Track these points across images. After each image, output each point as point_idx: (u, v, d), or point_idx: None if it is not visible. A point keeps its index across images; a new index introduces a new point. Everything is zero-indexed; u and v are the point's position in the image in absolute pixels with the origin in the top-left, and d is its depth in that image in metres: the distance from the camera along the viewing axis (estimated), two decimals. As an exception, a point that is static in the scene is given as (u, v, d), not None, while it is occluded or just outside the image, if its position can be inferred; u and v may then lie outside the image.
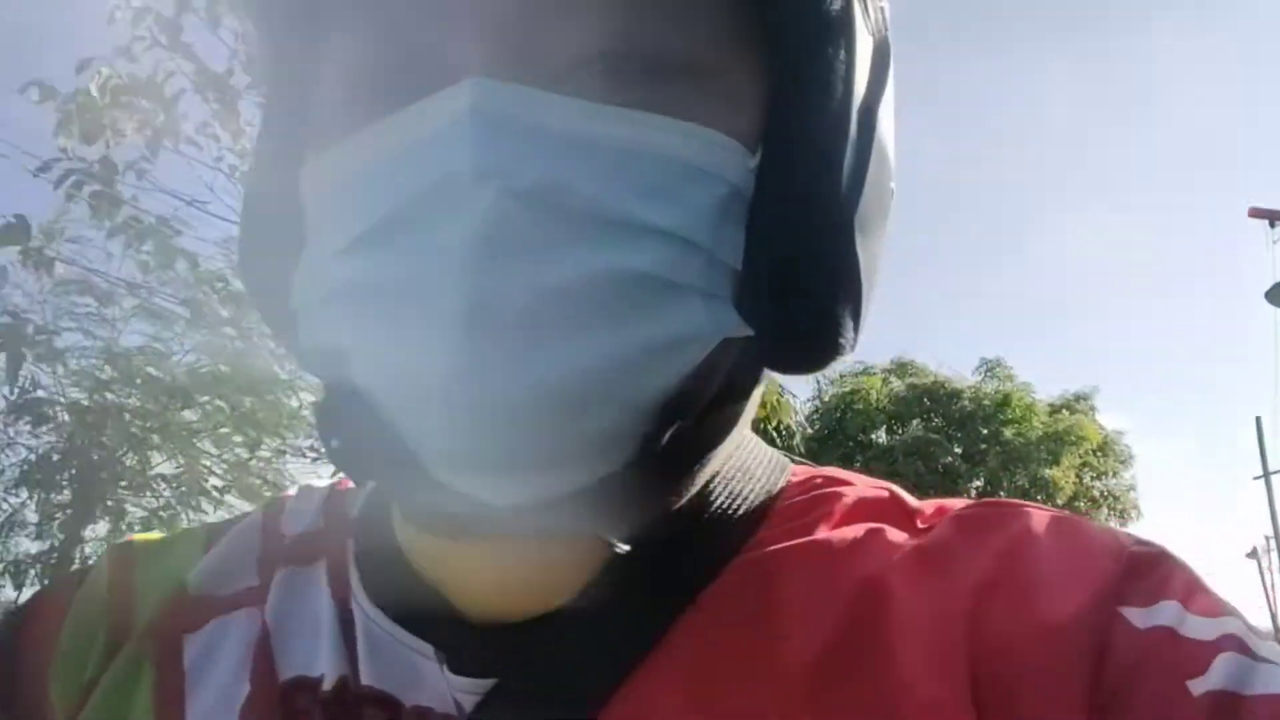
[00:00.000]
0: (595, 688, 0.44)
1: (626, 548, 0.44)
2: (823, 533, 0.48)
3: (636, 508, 0.45)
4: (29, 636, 0.53)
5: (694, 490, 0.47)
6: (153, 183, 4.89)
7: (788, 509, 0.51)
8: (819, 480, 0.53)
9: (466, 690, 0.45)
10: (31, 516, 5.53)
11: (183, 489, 5.68)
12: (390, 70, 0.42)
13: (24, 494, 5.46)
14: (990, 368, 23.82)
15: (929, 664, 0.41)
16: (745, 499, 0.51)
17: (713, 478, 0.50)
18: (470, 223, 0.37)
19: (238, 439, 5.80)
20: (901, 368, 23.74)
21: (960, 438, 21.64)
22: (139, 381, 5.21)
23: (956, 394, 22.02)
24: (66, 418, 5.19)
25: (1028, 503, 0.50)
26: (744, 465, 0.52)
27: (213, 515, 5.80)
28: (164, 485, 5.62)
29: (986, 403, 21.72)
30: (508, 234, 0.37)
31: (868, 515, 0.50)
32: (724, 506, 0.50)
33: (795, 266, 0.42)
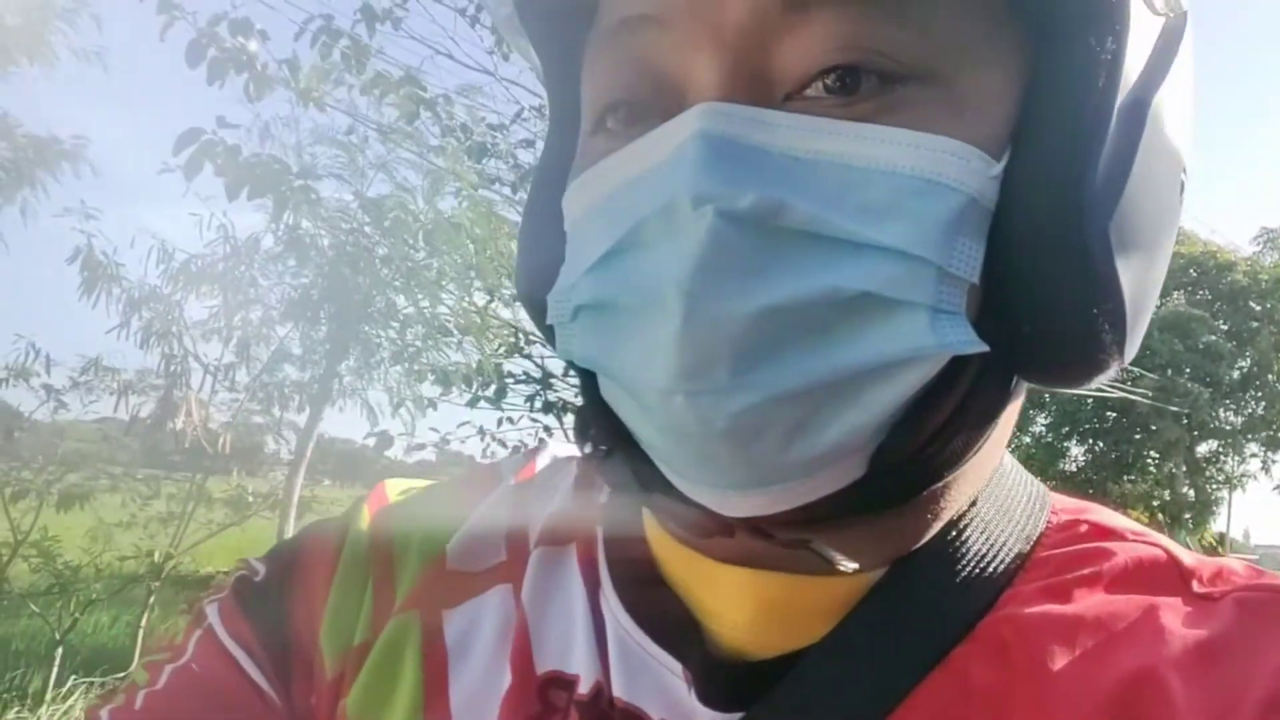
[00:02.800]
0: None
1: (854, 566, 0.43)
2: (1088, 601, 0.45)
3: (872, 532, 0.45)
4: (300, 587, 0.55)
5: (941, 523, 0.47)
6: (406, 30, 5.06)
7: (1048, 562, 0.48)
8: (1084, 529, 0.50)
9: None
10: (295, 349, 6.09)
11: (423, 328, 6.07)
12: (634, 97, 0.44)
13: (288, 328, 5.99)
14: (1272, 238, 21.63)
15: None
16: (1003, 546, 0.48)
17: (968, 516, 0.48)
18: (688, 246, 0.37)
19: (478, 284, 6.10)
20: (1167, 234, 21.93)
21: (1228, 314, 19.86)
22: (387, 225, 5.53)
23: (1229, 266, 20.17)
24: (322, 259, 5.61)
25: None
26: (1003, 504, 0.50)
27: (453, 354, 6.20)
28: (409, 325, 6.02)
29: (1264, 277, 19.80)
30: (725, 256, 0.37)
31: (1139, 580, 0.46)
32: (981, 553, 0.47)
33: (1038, 278, 0.40)
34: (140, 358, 5.68)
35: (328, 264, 5.60)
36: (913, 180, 0.38)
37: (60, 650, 4.96)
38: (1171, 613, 0.44)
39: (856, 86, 0.39)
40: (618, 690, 0.48)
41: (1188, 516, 21.13)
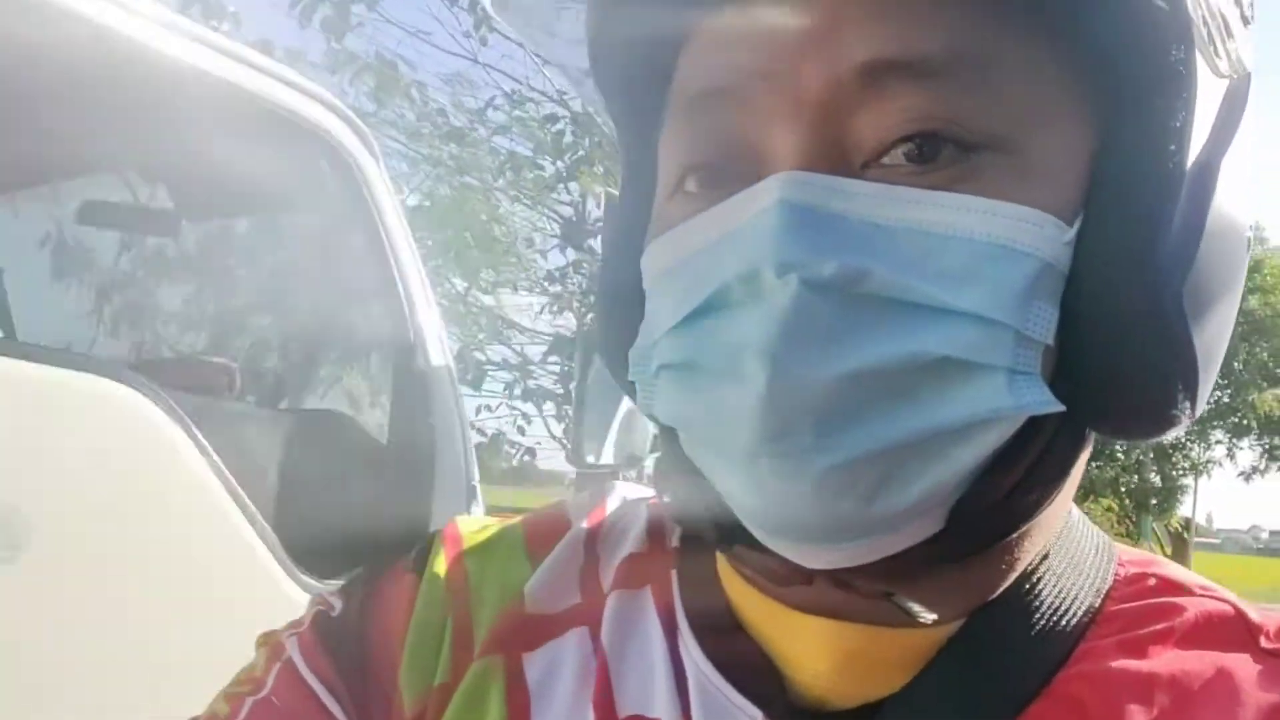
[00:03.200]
0: None
1: (933, 617, 0.45)
2: (1162, 658, 0.46)
3: (949, 584, 0.46)
4: (378, 624, 0.55)
5: (1015, 574, 0.48)
6: (380, 13, 5.00)
7: (1119, 616, 0.49)
8: (1152, 582, 0.51)
9: None
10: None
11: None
12: (715, 163, 0.45)
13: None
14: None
15: None
16: (1075, 599, 0.49)
17: (1041, 569, 0.49)
18: (772, 313, 0.38)
19: (458, 272, 6.08)
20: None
21: (1195, 304, 20.09)
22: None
23: (1196, 256, 20.35)
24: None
25: None
26: (1073, 556, 0.51)
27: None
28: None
29: (1231, 268, 19.98)
30: (807, 322, 0.38)
31: (1209, 636, 0.47)
32: (1054, 606, 0.48)
33: (1112, 341, 0.41)
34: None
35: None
36: (989, 246, 0.39)
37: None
38: (1243, 670, 0.45)
39: (935, 155, 0.40)
40: None
41: (1154, 502, 21.44)
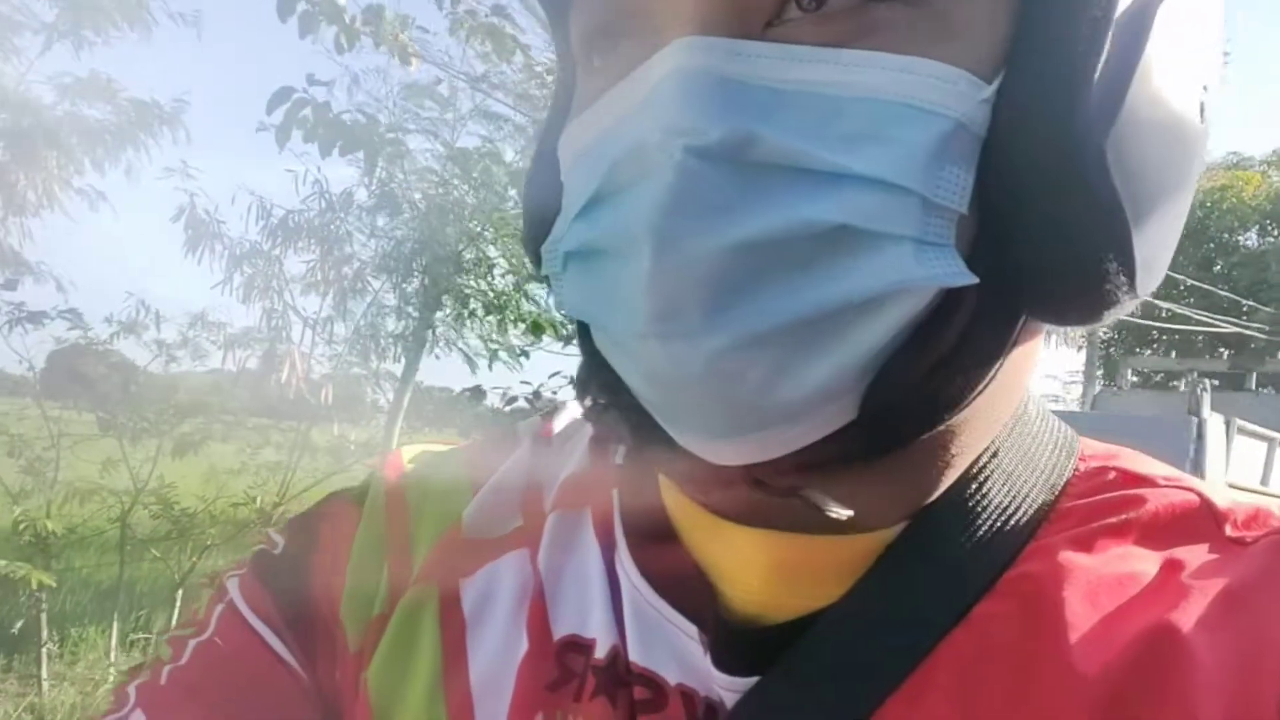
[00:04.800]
0: (861, 700, 0.43)
1: (847, 513, 0.42)
2: (1113, 552, 0.44)
3: (883, 484, 0.44)
4: (320, 559, 0.56)
5: (957, 473, 0.45)
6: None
7: (1073, 511, 0.47)
8: (1113, 475, 0.48)
9: (726, 686, 0.45)
10: (389, 300, 6.20)
11: (513, 275, 6.12)
12: (618, 38, 0.42)
13: (383, 281, 6.11)
14: (1404, 160, 20.29)
15: None
16: (1026, 495, 0.47)
17: (989, 467, 0.46)
18: (657, 185, 0.36)
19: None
20: (1286, 160, 20.78)
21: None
22: (475, 177, 5.57)
23: (1354, 190, 18.99)
24: (414, 213, 5.69)
25: None
26: (1026, 452, 0.48)
27: (542, 302, 6.24)
28: (499, 275, 6.09)
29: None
30: (694, 193, 0.36)
31: (1170, 528, 0.45)
32: (1003, 505, 0.46)
33: (1031, 205, 0.37)
34: (244, 313, 5.85)
35: (419, 217, 5.67)
36: (894, 106, 0.37)
37: (180, 592, 5.21)
38: (1200, 561, 0.42)
39: (841, 7, 0.38)
40: (634, 655, 0.47)
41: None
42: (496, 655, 0.49)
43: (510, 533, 0.54)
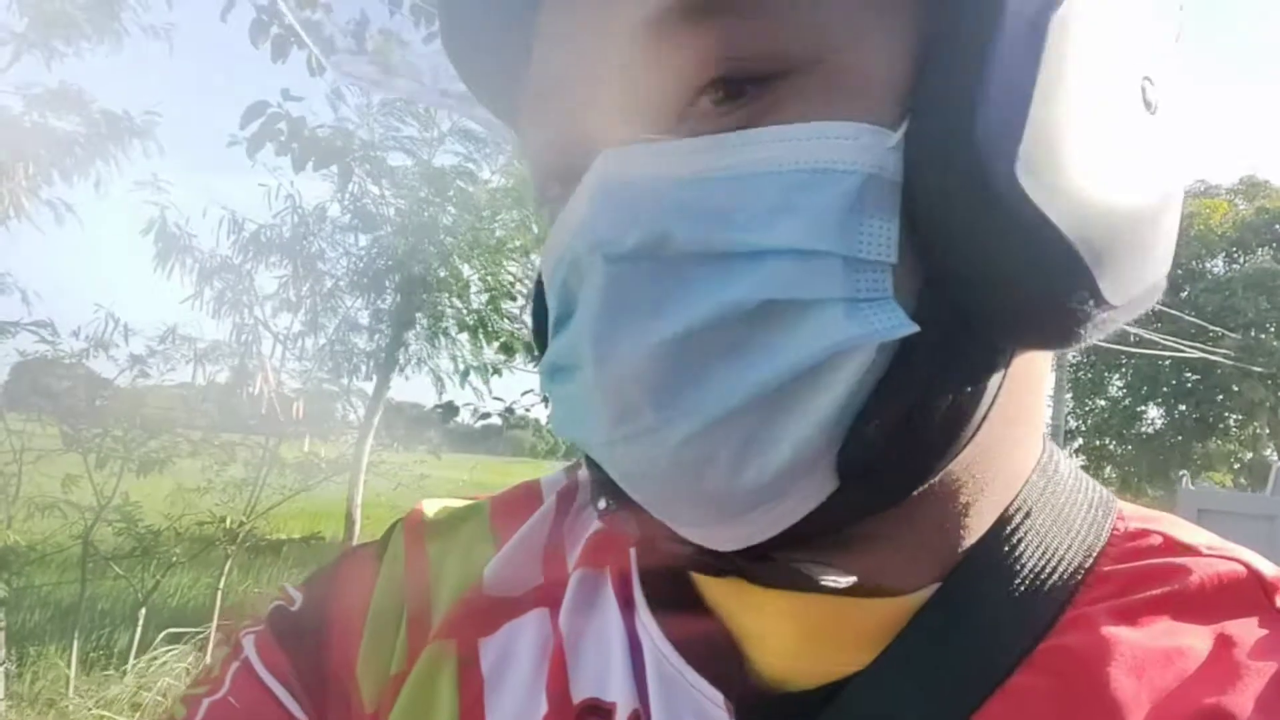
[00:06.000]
0: None
1: (847, 581, 0.41)
2: (1159, 626, 0.42)
3: (905, 548, 0.43)
4: (337, 616, 0.54)
5: (983, 531, 0.44)
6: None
7: (1114, 578, 0.45)
8: (1156, 541, 0.46)
9: None
10: (363, 319, 6.17)
11: (487, 295, 6.10)
12: (562, 160, 0.43)
13: (356, 298, 6.07)
14: (1365, 190, 20.69)
15: None
16: (1062, 558, 0.45)
17: (1021, 528, 0.45)
18: (589, 295, 0.38)
19: (537, 250, 6.11)
20: (1251, 189, 21.17)
21: (1315, 270, 19.11)
22: (452, 195, 5.56)
23: (1317, 220, 19.32)
24: (389, 229, 5.66)
25: None
26: (1060, 512, 0.46)
27: (518, 322, 6.22)
28: (473, 293, 6.07)
29: (1354, 232, 18.94)
30: (621, 298, 0.37)
31: (1216, 600, 0.43)
32: (1037, 567, 0.44)
33: (960, 238, 0.37)
34: (213, 327, 5.81)
35: (393, 233, 5.65)
36: (797, 174, 0.37)
37: (144, 611, 5.13)
38: (1249, 636, 0.41)
39: (739, 94, 0.38)
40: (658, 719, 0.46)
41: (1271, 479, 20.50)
42: (515, 717, 0.48)
43: (531, 591, 0.53)
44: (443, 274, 5.81)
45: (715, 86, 0.38)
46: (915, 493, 0.41)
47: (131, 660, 4.87)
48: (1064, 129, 0.37)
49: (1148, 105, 0.41)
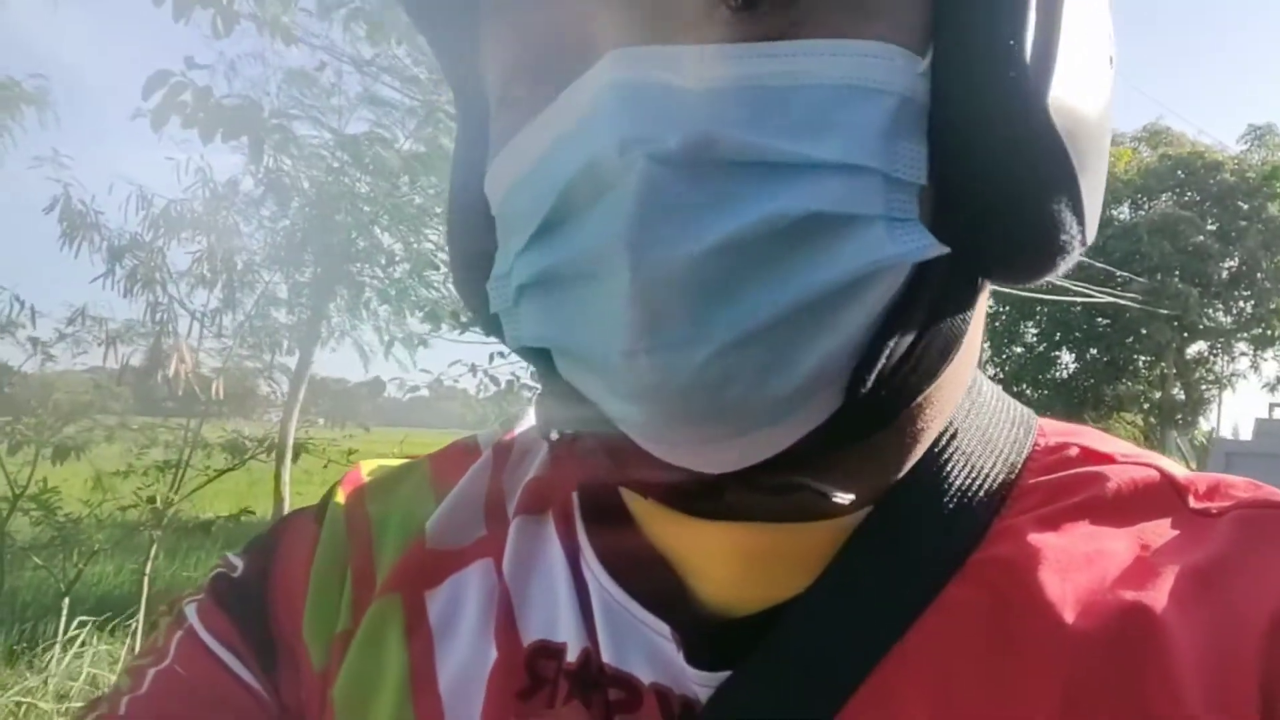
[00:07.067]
0: (834, 689, 0.43)
1: (850, 498, 0.42)
2: (1080, 530, 0.44)
3: (856, 464, 0.43)
4: (279, 579, 0.55)
5: (920, 452, 0.45)
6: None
7: (1036, 490, 0.47)
8: (1074, 453, 0.48)
9: (700, 682, 0.45)
10: (282, 292, 6.03)
11: (409, 264, 6.01)
12: (537, 59, 0.41)
13: (274, 272, 5.93)
14: (1259, 136, 21.51)
15: (1207, 706, 0.37)
16: (987, 475, 0.47)
17: (949, 448, 0.46)
18: (623, 198, 0.36)
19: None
20: (1154, 136, 21.82)
21: (1216, 214, 19.80)
22: (367, 163, 5.45)
23: (1216, 166, 20.08)
24: (304, 201, 5.53)
25: None
26: (984, 431, 0.48)
27: (440, 290, 6.14)
28: (394, 262, 5.97)
29: (1251, 175, 19.74)
30: (661, 201, 0.36)
31: (1133, 503, 0.45)
32: (964, 486, 0.46)
33: (987, 169, 0.38)
34: (126, 307, 5.64)
35: (309, 205, 5.53)
36: (838, 89, 0.37)
37: (66, 601, 5.00)
38: (1165, 536, 0.43)
39: (756, 3, 0.38)
40: (607, 656, 0.47)
41: (1179, 417, 21.36)
42: (465, 666, 0.48)
43: (474, 542, 0.53)
44: (362, 244, 5.71)
45: None
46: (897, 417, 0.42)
47: (56, 650, 4.76)
48: (1075, 74, 0.39)
49: (1110, 60, 0.43)
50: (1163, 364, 20.05)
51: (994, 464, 0.47)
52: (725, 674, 0.44)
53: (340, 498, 0.57)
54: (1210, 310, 20.18)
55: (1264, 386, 23.30)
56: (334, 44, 5.38)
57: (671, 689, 0.45)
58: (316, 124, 5.63)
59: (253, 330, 6.04)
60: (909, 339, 0.40)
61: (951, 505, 0.45)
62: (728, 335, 0.36)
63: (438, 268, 6.15)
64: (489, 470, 0.57)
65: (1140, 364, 20.47)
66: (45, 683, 4.51)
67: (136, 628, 4.98)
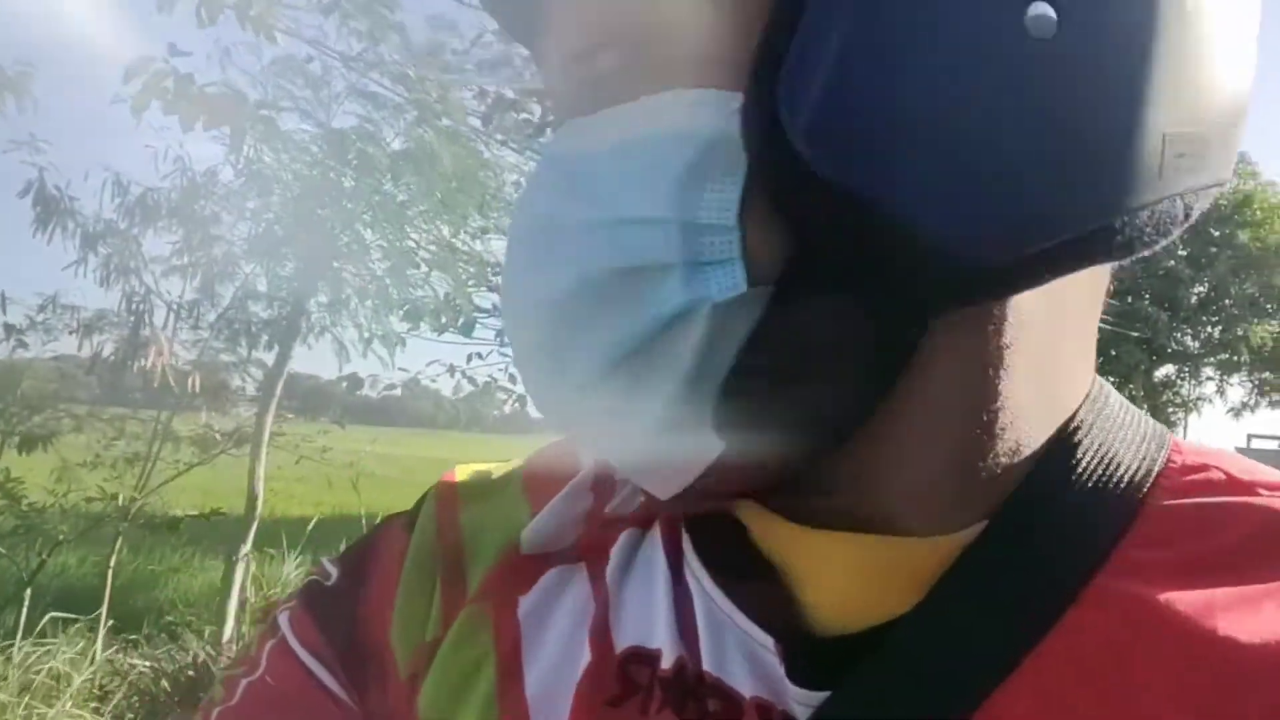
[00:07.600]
0: (944, 714, 0.41)
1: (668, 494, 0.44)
2: (1222, 569, 0.41)
3: (936, 487, 0.43)
4: (370, 587, 0.55)
5: (1023, 463, 0.44)
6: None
7: (1168, 516, 0.44)
8: (1215, 477, 0.46)
9: (799, 700, 0.44)
10: (261, 286, 5.95)
11: (392, 262, 5.95)
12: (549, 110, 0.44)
13: (253, 265, 5.85)
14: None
15: None
16: (1109, 493, 0.44)
17: (1064, 459, 0.44)
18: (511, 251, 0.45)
19: (444, 217, 5.99)
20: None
21: (1187, 240, 20.06)
22: (352, 159, 5.39)
23: (1189, 192, 20.29)
24: (286, 194, 5.46)
25: None
26: (1107, 446, 0.46)
27: (421, 290, 6.09)
28: (376, 258, 5.91)
29: (1223, 203, 19.94)
30: (517, 262, 0.45)
31: (1277, 542, 0.42)
32: (1083, 503, 0.44)
33: (809, 198, 0.38)
34: (100, 295, 5.55)
35: (292, 198, 5.45)
36: (642, 144, 0.40)
37: (29, 591, 4.91)
38: None
39: (593, 63, 0.42)
40: (707, 664, 0.45)
41: (1144, 439, 21.49)
42: (554, 669, 0.48)
43: (569, 549, 0.53)
44: (344, 240, 5.64)
45: (577, 62, 0.43)
46: (850, 436, 0.42)
47: (18, 641, 4.67)
48: (907, 59, 0.37)
49: (1031, 31, 0.42)
50: (1131, 385, 20.26)
51: (1118, 481, 0.45)
52: (825, 694, 0.43)
53: (433, 504, 0.57)
54: (1178, 334, 20.44)
55: (1229, 411, 23.65)
56: (324, 36, 5.32)
57: (774, 704, 0.44)
58: (304, 116, 5.56)
59: (230, 323, 5.95)
60: (771, 366, 0.40)
61: (1070, 523, 0.43)
62: (581, 377, 0.41)
63: (419, 266, 6.09)
64: (589, 482, 0.56)
65: (1110, 384, 20.70)
66: (5, 677, 4.42)
67: (99, 622, 4.90)
